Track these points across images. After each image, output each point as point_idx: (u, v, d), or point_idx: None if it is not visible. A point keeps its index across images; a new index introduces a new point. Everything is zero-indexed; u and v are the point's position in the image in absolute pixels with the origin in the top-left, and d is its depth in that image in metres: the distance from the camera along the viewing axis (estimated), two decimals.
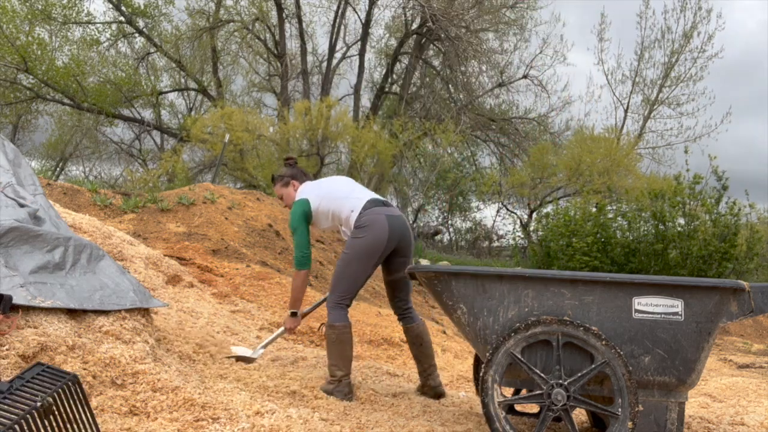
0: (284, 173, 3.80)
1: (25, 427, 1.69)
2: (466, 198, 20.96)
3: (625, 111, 18.80)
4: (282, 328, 3.69)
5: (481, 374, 2.60)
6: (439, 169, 15.91)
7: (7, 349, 2.27)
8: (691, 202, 10.04)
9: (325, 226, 3.60)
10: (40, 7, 15.29)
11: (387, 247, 3.34)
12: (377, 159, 13.22)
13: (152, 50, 16.97)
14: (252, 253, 6.66)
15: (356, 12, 16.77)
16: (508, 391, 3.17)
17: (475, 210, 21.63)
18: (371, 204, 3.40)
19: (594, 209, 11.20)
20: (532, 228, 14.28)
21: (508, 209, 19.00)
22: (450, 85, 16.87)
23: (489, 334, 2.68)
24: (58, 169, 19.91)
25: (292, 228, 3.53)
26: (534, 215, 15.73)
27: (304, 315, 3.81)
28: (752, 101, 28.97)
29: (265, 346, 3.81)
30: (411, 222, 17.34)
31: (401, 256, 3.46)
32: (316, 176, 13.12)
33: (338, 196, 3.50)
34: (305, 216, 3.49)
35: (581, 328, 2.55)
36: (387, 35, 18.29)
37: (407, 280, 3.49)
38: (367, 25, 16.43)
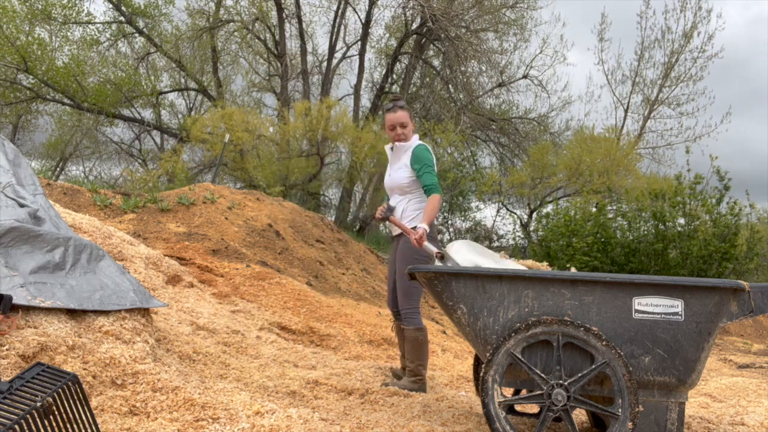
0: (408, 108, 3.75)
1: (25, 427, 1.69)
2: (466, 198, 20.94)
3: (625, 111, 18.80)
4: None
5: (481, 374, 2.60)
6: (439, 169, 15.89)
7: (7, 349, 2.27)
8: (692, 202, 10.04)
9: (398, 198, 3.65)
10: (40, 7, 15.27)
11: None
12: (377, 159, 13.20)
13: (152, 50, 16.95)
14: (252, 253, 6.66)
15: (356, 12, 16.75)
16: (508, 391, 3.17)
17: (475, 210, 21.60)
18: None
19: (594, 209, 11.20)
20: (532, 228, 14.29)
21: (508, 209, 19.00)
22: (450, 85, 16.84)
23: (489, 335, 2.67)
24: (58, 169, 19.86)
25: (428, 165, 3.55)
26: (534, 215, 15.73)
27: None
28: (743, 99, 28.92)
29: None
30: None
31: None
32: (315, 176, 13.16)
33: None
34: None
35: (581, 329, 2.54)
36: (387, 35, 18.27)
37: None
38: (367, 25, 16.41)
